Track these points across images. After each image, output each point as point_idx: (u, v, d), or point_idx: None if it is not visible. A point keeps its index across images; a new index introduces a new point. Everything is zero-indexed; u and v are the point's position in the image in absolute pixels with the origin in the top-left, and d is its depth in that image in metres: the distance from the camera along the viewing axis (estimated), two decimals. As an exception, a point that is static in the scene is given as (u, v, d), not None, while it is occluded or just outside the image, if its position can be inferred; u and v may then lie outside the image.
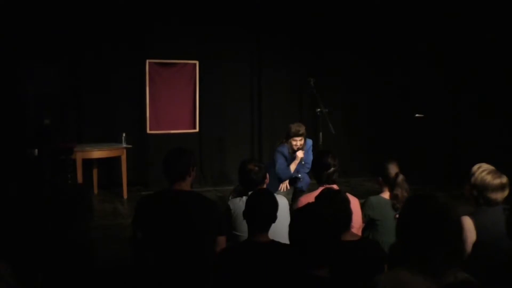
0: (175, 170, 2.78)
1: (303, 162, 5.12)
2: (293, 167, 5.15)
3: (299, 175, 5.09)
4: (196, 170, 2.92)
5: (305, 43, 7.63)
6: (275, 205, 2.54)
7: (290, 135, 5.09)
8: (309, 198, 3.22)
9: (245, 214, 2.52)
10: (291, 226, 1.99)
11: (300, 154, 5.10)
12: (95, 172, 6.51)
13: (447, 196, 5.85)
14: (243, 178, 3.23)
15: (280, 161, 5.12)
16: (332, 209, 2.41)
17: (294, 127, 5.11)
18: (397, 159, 3.42)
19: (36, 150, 5.37)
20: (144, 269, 2.68)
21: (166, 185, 2.95)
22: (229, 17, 7.17)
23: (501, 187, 2.68)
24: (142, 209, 2.79)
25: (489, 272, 2.35)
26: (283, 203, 3.20)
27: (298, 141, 5.07)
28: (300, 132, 5.08)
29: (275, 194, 3.24)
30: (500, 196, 2.69)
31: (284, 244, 2.45)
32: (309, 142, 5.23)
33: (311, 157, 5.03)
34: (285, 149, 5.15)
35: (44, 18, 6.23)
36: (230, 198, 4.34)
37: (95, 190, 6.52)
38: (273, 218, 2.49)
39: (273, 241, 2.47)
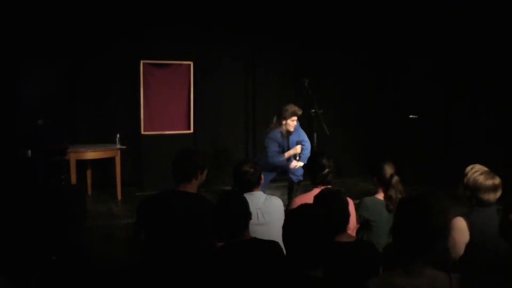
0: (181, 170, 2.76)
1: (297, 158, 5.19)
2: (287, 154, 5.21)
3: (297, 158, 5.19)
4: (206, 173, 2.87)
5: (300, 44, 7.64)
6: (245, 203, 2.49)
7: (287, 116, 5.16)
8: (304, 199, 3.23)
9: (220, 220, 2.46)
10: (284, 227, 1.99)
11: (299, 148, 5.20)
12: (89, 173, 6.48)
13: (442, 197, 5.87)
14: (238, 179, 3.22)
15: (272, 148, 5.17)
16: (330, 210, 2.43)
17: (291, 108, 5.19)
18: (393, 159, 3.43)
19: (29, 151, 5.34)
20: (144, 269, 2.67)
21: (161, 186, 2.95)
22: (223, 17, 7.17)
23: (493, 188, 2.70)
24: (143, 209, 2.77)
25: (482, 272, 2.36)
26: (278, 204, 3.20)
27: (295, 121, 5.17)
28: (299, 113, 5.20)
29: (272, 196, 3.27)
30: (492, 196, 2.71)
31: (265, 241, 2.45)
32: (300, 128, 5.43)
33: (303, 133, 5.34)
34: (277, 135, 5.19)
35: (39, 19, 6.20)
36: None
37: (89, 191, 6.49)
38: (248, 215, 2.46)
39: (255, 238, 2.46)
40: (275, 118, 5.35)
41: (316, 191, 3.28)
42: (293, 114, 5.16)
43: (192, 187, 2.77)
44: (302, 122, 7.61)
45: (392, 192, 3.24)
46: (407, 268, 1.75)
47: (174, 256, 2.64)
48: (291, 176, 5.27)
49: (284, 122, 5.23)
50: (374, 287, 1.72)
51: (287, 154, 5.23)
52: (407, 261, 1.76)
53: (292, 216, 2.02)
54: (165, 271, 2.61)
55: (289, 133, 5.25)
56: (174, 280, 2.59)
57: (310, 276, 1.86)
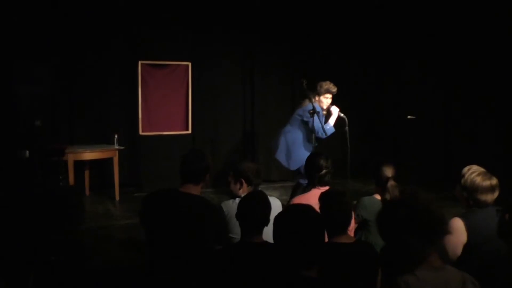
0: (193, 172, 2.73)
1: (341, 115, 5.11)
2: (332, 123, 5.15)
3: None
4: (209, 176, 2.88)
5: (298, 44, 7.65)
6: (268, 208, 2.51)
7: (321, 92, 5.07)
8: (302, 199, 3.24)
9: (238, 216, 2.51)
10: (274, 227, 1.99)
11: (335, 108, 5.09)
12: (87, 173, 6.47)
13: (439, 197, 5.88)
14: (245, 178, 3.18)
15: (317, 120, 4.99)
16: (332, 210, 2.45)
17: (327, 85, 5.09)
18: (391, 159, 3.44)
19: (27, 152, 5.33)
20: (145, 269, 2.67)
21: (159, 186, 2.93)
22: (222, 18, 7.17)
23: (490, 189, 2.70)
24: (148, 205, 2.75)
25: (480, 273, 2.37)
26: (276, 205, 3.19)
27: (328, 99, 5.07)
28: (333, 90, 5.09)
29: (270, 197, 3.26)
30: (490, 197, 2.71)
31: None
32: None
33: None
34: (318, 108, 5.06)
35: (36, 18, 6.19)
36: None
37: (87, 192, 6.49)
38: (266, 220, 2.47)
39: (266, 242, 2.47)
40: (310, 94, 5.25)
41: (314, 191, 3.29)
42: (327, 91, 5.08)
43: (197, 189, 2.76)
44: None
45: (387, 196, 3.24)
46: (431, 264, 1.77)
47: (175, 257, 2.64)
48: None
49: (317, 98, 5.14)
50: (404, 284, 1.73)
51: (332, 121, 5.13)
52: (428, 258, 1.78)
53: (282, 216, 2.01)
54: (167, 271, 2.61)
55: (322, 110, 5.17)
56: (175, 280, 2.59)
57: (304, 276, 1.86)
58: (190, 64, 7.03)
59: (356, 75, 7.92)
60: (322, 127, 4.99)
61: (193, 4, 6.97)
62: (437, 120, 7.43)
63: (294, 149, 5.17)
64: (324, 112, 5.24)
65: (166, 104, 6.96)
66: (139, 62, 6.72)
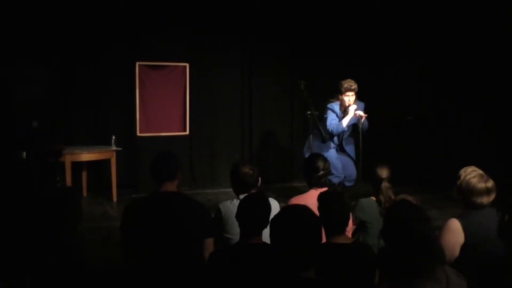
0: (166, 172, 2.78)
1: (357, 114, 5.22)
2: (345, 122, 5.28)
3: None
4: (181, 172, 2.92)
5: (295, 46, 7.64)
6: (268, 210, 2.51)
7: (342, 91, 5.20)
8: (299, 200, 3.25)
9: (237, 217, 2.51)
10: (271, 228, 1.98)
11: (352, 108, 5.19)
12: (84, 175, 6.46)
13: (437, 198, 5.90)
14: (236, 181, 3.21)
15: (331, 117, 5.23)
16: (331, 211, 2.45)
17: (346, 83, 5.22)
18: (389, 160, 3.44)
19: (24, 153, 5.32)
20: (132, 272, 2.67)
21: (156, 187, 2.94)
22: (220, 18, 7.16)
23: (486, 192, 2.69)
24: (130, 214, 2.76)
25: (478, 274, 2.37)
26: (274, 206, 3.20)
27: (350, 97, 5.18)
28: (353, 87, 5.19)
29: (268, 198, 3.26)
30: (485, 200, 2.70)
31: None
32: (362, 104, 5.42)
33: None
34: (336, 106, 5.25)
35: (33, 20, 6.18)
36: None
37: (85, 193, 6.47)
38: (265, 222, 2.46)
39: (265, 243, 2.47)
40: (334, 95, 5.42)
41: (312, 192, 3.30)
42: (347, 89, 5.20)
43: (174, 187, 2.80)
44: (298, 123, 7.69)
45: (381, 197, 3.26)
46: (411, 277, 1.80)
47: (170, 258, 2.63)
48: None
49: (340, 97, 5.29)
50: None
51: (344, 122, 5.28)
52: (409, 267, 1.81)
53: (278, 217, 2.01)
54: (164, 271, 2.61)
55: (346, 108, 5.29)
56: (173, 281, 2.59)
57: (302, 277, 1.85)
58: (188, 65, 7.03)
59: (355, 76, 7.90)
60: (336, 124, 5.20)
61: (191, 4, 6.97)
62: (436, 121, 7.44)
63: (313, 146, 5.30)
64: (352, 110, 5.32)
65: (164, 105, 6.96)
66: (137, 63, 6.71)
